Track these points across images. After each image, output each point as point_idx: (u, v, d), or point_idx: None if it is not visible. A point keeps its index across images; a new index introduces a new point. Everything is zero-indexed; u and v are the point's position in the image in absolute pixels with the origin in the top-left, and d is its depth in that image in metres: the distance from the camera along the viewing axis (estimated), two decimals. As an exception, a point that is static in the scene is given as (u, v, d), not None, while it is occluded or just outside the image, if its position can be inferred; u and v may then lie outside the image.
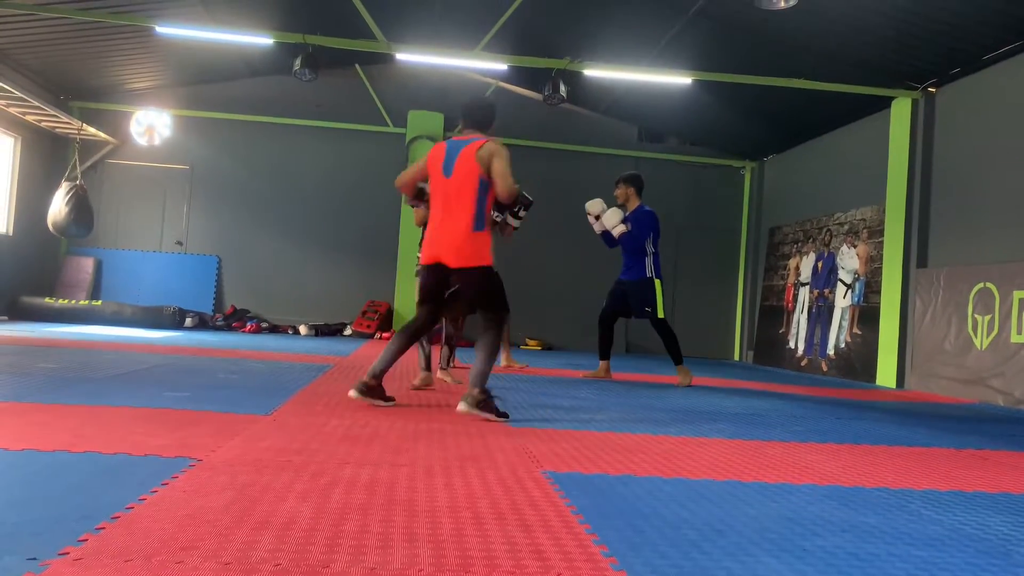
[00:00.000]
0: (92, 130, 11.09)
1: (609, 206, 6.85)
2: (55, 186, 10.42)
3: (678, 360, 6.84)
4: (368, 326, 11.67)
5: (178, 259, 12.00)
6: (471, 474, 2.55)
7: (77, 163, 10.72)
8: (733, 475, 2.83)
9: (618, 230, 6.68)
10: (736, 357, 12.90)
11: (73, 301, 10.83)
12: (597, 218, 6.81)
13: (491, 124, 4.23)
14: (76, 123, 10.78)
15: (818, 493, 2.61)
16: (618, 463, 2.92)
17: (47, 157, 11.36)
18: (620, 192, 6.89)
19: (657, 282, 6.69)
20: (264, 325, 11.60)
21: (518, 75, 11.66)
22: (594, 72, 9.49)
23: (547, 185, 12.34)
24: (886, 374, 8.68)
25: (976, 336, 7.40)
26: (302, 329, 11.52)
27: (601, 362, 7.09)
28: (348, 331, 11.76)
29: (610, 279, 7.32)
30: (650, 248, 6.76)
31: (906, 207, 8.61)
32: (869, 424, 4.80)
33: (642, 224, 6.68)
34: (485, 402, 3.81)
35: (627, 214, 6.79)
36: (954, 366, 7.62)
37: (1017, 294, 6.93)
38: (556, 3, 9.26)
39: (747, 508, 2.34)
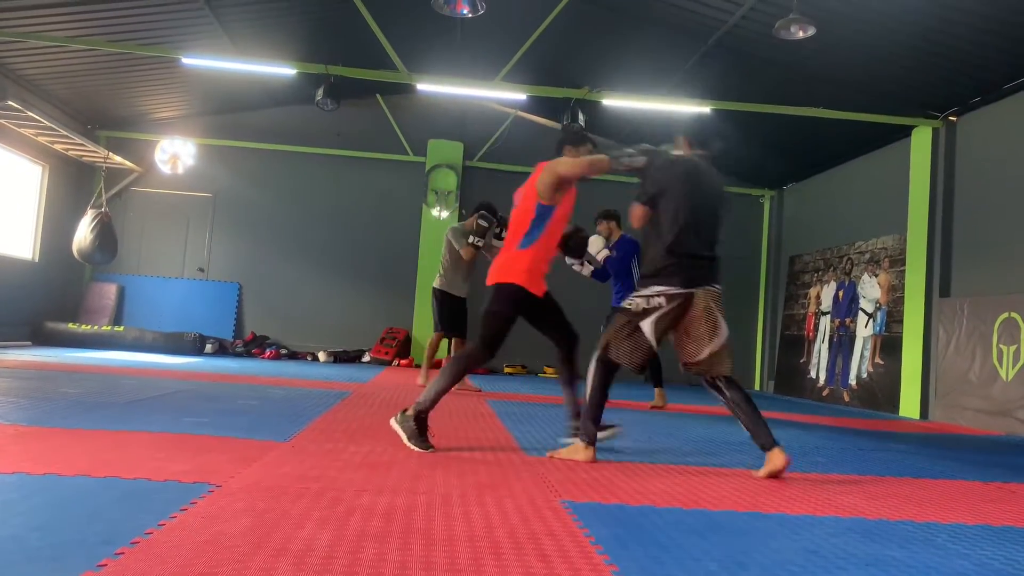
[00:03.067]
0: (118, 159, 11.28)
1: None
2: (81, 213, 10.59)
3: (659, 383, 7.38)
4: (386, 353, 11.68)
5: (199, 285, 12.12)
6: (489, 503, 2.53)
7: (103, 191, 10.89)
8: (755, 507, 2.79)
9: (602, 254, 7.07)
10: (756, 387, 12.77)
11: (96, 327, 10.95)
12: (583, 262, 7.10)
13: (561, 149, 4.06)
14: (103, 152, 10.97)
15: (841, 526, 2.57)
16: (637, 493, 2.89)
17: (73, 185, 11.56)
18: (603, 227, 7.31)
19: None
20: (283, 352, 11.65)
21: (537, 105, 11.75)
22: (612, 101, 9.55)
23: (566, 213, 12.38)
24: (909, 405, 8.56)
25: (1001, 367, 7.29)
26: (321, 356, 11.55)
27: (657, 390, 7.47)
28: (367, 358, 11.79)
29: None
30: (636, 272, 7.12)
31: (928, 236, 8.54)
32: (893, 456, 4.72)
33: (626, 249, 7.15)
34: (411, 424, 3.61)
35: (611, 245, 7.22)
36: (979, 397, 7.50)
37: (1043, 324, 6.83)
38: (575, 34, 9.35)
39: (769, 540, 2.30)
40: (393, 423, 3.70)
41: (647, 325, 3.54)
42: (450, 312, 7.29)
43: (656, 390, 7.36)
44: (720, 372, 3.57)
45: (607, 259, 7.11)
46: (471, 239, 6.92)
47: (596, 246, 7.04)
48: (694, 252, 3.58)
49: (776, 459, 3.41)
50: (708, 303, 3.55)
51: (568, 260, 6.90)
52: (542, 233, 3.88)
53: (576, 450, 3.58)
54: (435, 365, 7.32)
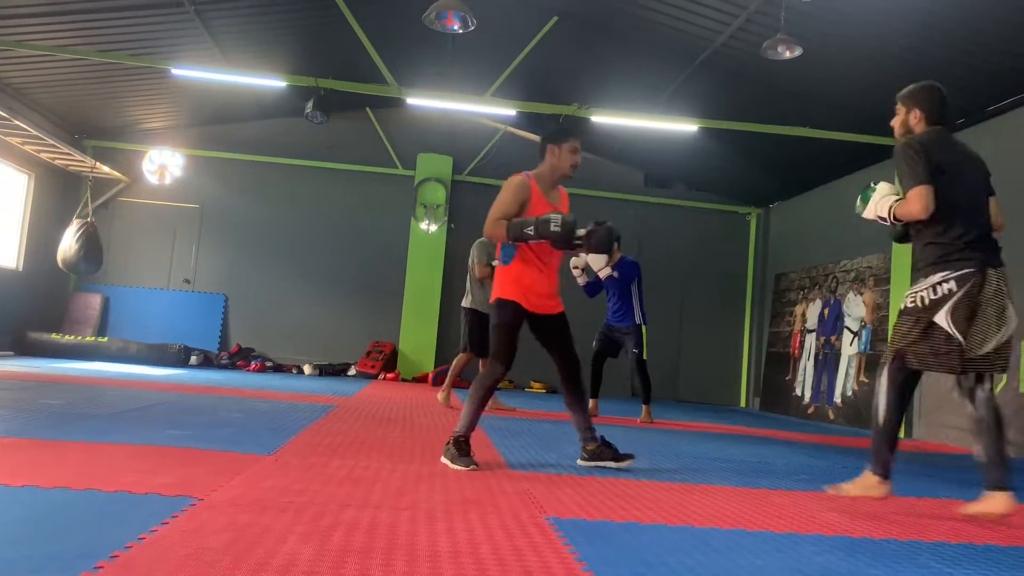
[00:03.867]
0: (105, 168, 11.23)
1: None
2: (67, 223, 10.52)
3: (647, 400, 7.40)
4: (372, 366, 11.64)
5: (185, 297, 12.05)
6: (473, 519, 2.52)
7: (89, 200, 10.83)
8: (739, 524, 2.79)
9: (604, 272, 7.14)
10: (742, 404, 12.80)
11: (79, 337, 10.86)
12: (583, 271, 7.21)
13: (544, 149, 4.02)
14: (90, 161, 10.92)
15: (825, 544, 2.57)
16: (622, 509, 2.88)
17: (60, 194, 11.49)
18: None
19: (644, 327, 7.29)
20: (269, 364, 11.59)
21: (526, 120, 11.80)
22: (601, 118, 9.60)
23: (554, 229, 12.41)
24: (894, 423, 8.59)
25: (984, 386, 7.33)
26: (306, 369, 11.49)
27: (591, 400, 7.31)
28: (352, 371, 11.74)
29: (603, 320, 7.59)
30: (635, 293, 7.31)
31: (912, 255, 8.59)
32: (877, 474, 4.73)
33: (628, 271, 7.25)
34: (452, 450, 3.64)
35: (613, 264, 7.27)
36: (962, 416, 7.51)
37: (1025, 344, 6.89)
38: (564, 51, 9.41)
39: (753, 558, 2.30)
40: (443, 460, 3.67)
41: (941, 317, 3.13)
42: (480, 331, 7.05)
43: (644, 407, 7.36)
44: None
45: (608, 279, 7.19)
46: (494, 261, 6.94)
47: (597, 263, 7.09)
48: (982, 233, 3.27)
49: (995, 503, 3.02)
50: (1000, 285, 3.16)
51: (584, 260, 7.01)
52: (513, 259, 3.90)
53: (869, 485, 3.20)
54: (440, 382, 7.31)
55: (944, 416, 7.82)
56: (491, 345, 3.91)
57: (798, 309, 11.30)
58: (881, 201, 3.31)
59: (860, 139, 8.77)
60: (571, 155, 4.04)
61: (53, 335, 10.76)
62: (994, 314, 3.11)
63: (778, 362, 11.66)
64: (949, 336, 3.11)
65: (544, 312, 3.95)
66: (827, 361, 10.30)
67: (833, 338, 10.26)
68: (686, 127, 9.36)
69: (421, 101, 9.55)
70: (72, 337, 10.82)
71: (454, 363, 7.38)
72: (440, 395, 7.33)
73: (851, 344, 9.84)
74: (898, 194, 3.29)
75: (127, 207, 12.05)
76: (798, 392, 10.88)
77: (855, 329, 9.81)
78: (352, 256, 12.32)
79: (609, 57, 9.37)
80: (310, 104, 9.47)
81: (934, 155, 3.20)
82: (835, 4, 6.61)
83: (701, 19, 7.73)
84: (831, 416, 9.92)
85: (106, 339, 10.93)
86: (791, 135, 8.98)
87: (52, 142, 9.94)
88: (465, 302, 7.29)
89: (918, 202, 3.12)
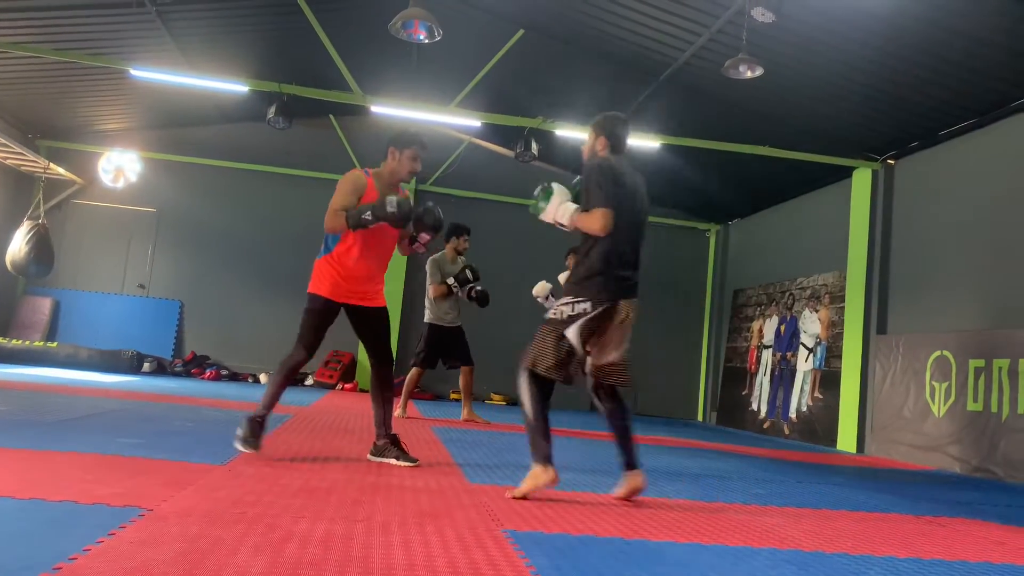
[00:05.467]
0: (59, 169, 10.98)
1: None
2: (17, 224, 10.25)
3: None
4: (331, 376, 11.51)
5: (139, 302, 11.81)
6: (429, 531, 2.50)
7: (41, 202, 10.58)
8: (695, 537, 2.80)
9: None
10: (700, 418, 12.93)
11: (27, 342, 10.56)
12: (546, 298, 7.30)
13: (388, 148, 4.18)
14: (43, 162, 10.67)
15: (778, 558, 2.60)
16: (579, 522, 2.88)
17: (10, 195, 11.20)
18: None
19: None
20: (224, 372, 11.40)
21: (491, 132, 11.82)
22: (565, 132, 9.66)
23: (517, 239, 12.45)
24: (847, 439, 8.75)
25: (934, 403, 7.51)
26: (262, 377, 11.33)
27: None
28: (310, 381, 11.60)
29: None
30: None
31: (866, 274, 8.80)
32: (830, 488, 4.81)
33: None
34: (245, 428, 3.85)
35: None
36: (913, 432, 7.71)
37: (973, 363, 7.07)
38: (530, 64, 9.46)
39: (708, 571, 2.32)
40: (235, 443, 3.82)
41: (572, 332, 3.42)
42: (439, 344, 7.29)
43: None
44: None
45: None
46: (450, 281, 7.12)
47: (537, 290, 7.20)
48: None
49: (634, 480, 3.50)
50: (627, 314, 3.50)
51: (548, 289, 7.10)
52: (337, 243, 4.04)
53: (535, 476, 3.33)
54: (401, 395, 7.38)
55: (895, 433, 7.98)
56: (299, 329, 4.14)
57: (755, 325, 11.46)
58: (562, 207, 3.61)
59: (818, 159, 8.95)
60: (411, 162, 4.14)
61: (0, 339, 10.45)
62: (615, 338, 3.48)
63: (735, 377, 11.81)
64: (571, 350, 3.42)
65: (359, 303, 4.12)
66: (783, 376, 10.46)
67: (789, 354, 10.42)
68: (648, 143, 9.47)
69: (385, 109, 9.52)
70: (19, 342, 10.52)
71: (408, 377, 7.40)
72: (396, 411, 7.26)
73: (806, 360, 10.01)
74: (574, 203, 3.61)
75: (81, 209, 11.79)
76: (754, 407, 11.02)
77: (810, 345, 9.97)
78: (311, 265, 12.16)
79: (574, 72, 9.44)
80: (272, 109, 9.37)
81: (617, 181, 3.54)
82: (796, 26, 6.75)
83: (665, 37, 7.84)
84: (786, 431, 10.06)
85: (55, 344, 10.66)
86: (751, 153, 9.14)
87: (4, 141, 9.69)
88: (427, 317, 7.33)
89: (600, 221, 3.41)
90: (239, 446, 3.79)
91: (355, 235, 3.97)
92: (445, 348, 7.36)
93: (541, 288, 7.37)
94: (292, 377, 4.09)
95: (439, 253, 7.42)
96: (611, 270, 3.43)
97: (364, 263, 4.06)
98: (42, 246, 10.00)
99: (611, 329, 3.44)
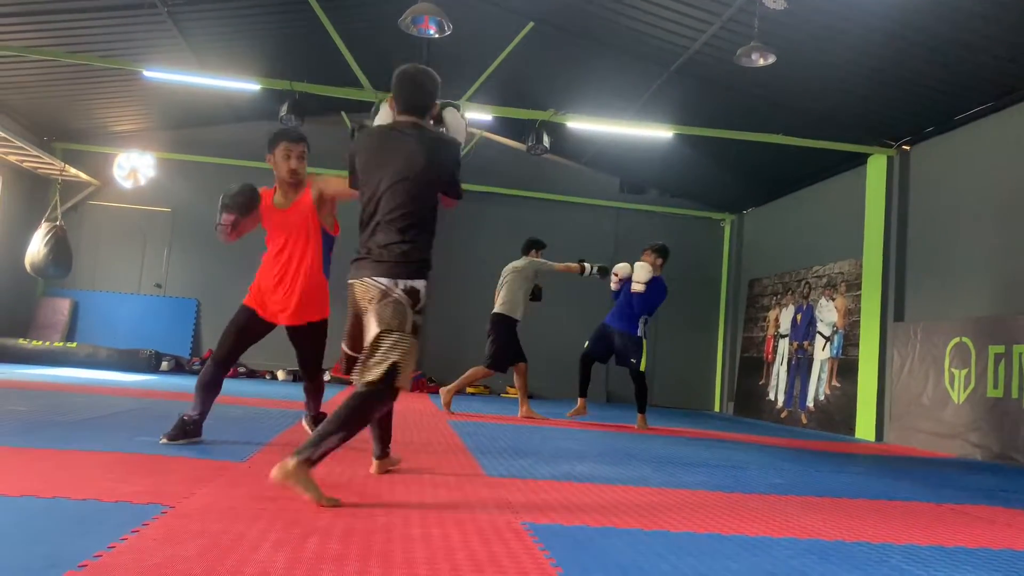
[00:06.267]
0: (74, 171, 11.07)
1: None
2: (35, 227, 10.34)
3: (643, 409, 7.45)
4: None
5: (156, 302, 11.90)
6: (449, 524, 2.51)
7: (58, 204, 10.66)
8: (714, 528, 2.80)
9: (638, 287, 7.25)
10: (716, 408, 12.89)
11: (47, 343, 10.67)
12: (621, 280, 7.46)
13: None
14: (59, 164, 10.75)
15: (799, 547, 2.59)
16: (599, 514, 2.88)
17: (28, 197, 11.31)
18: (649, 259, 7.48)
19: (644, 341, 7.40)
20: (241, 370, 11.47)
21: (502, 126, 11.81)
22: (577, 124, 9.64)
23: (529, 233, 12.42)
24: (865, 427, 8.70)
25: (953, 390, 7.46)
26: (280, 374, 11.39)
27: (580, 399, 7.64)
28: (327, 376, 11.63)
29: (589, 326, 7.68)
30: (642, 322, 7.48)
31: (883, 261, 8.73)
32: (849, 477, 4.79)
33: (658, 292, 7.40)
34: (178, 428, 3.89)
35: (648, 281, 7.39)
36: (932, 420, 7.65)
37: (992, 349, 7.01)
38: (540, 57, 9.44)
39: (728, 562, 2.31)
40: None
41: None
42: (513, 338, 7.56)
43: (639, 415, 7.45)
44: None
45: (635, 295, 7.27)
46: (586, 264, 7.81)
47: (645, 273, 7.26)
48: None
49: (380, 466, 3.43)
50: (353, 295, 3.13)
51: (627, 270, 7.22)
52: (265, 254, 4.10)
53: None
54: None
55: (914, 420, 7.92)
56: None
57: (771, 314, 11.40)
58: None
59: (833, 146, 8.88)
60: (284, 160, 4.02)
61: (20, 340, 10.56)
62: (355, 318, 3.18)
63: (752, 367, 11.76)
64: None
65: (280, 322, 4.06)
66: (800, 366, 10.41)
67: (806, 343, 10.37)
68: (661, 133, 9.42)
69: (397, 105, 9.50)
70: (40, 342, 10.64)
71: (520, 375, 7.62)
72: (523, 410, 7.60)
73: (823, 349, 9.95)
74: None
75: (97, 210, 11.88)
76: (771, 397, 10.97)
77: (827, 334, 9.91)
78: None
79: (584, 63, 9.41)
80: (284, 108, 9.40)
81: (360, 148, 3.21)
82: (808, 13, 6.69)
83: (676, 26, 7.79)
84: (804, 420, 10.02)
85: (75, 344, 10.76)
86: (765, 142, 9.08)
87: (20, 144, 9.77)
88: (507, 310, 7.54)
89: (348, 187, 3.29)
90: (167, 439, 3.81)
91: (269, 240, 4.06)
92: (517, 343, 7.58)
93: (624, 268, 7.49)
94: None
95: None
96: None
97: (268, 274, 4.12)
98: (60, 248, 10.08)
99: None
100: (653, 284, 7.33)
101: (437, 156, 3.08)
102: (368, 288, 3.02)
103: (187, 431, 3.90)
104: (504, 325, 7.48)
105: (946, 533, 3.06)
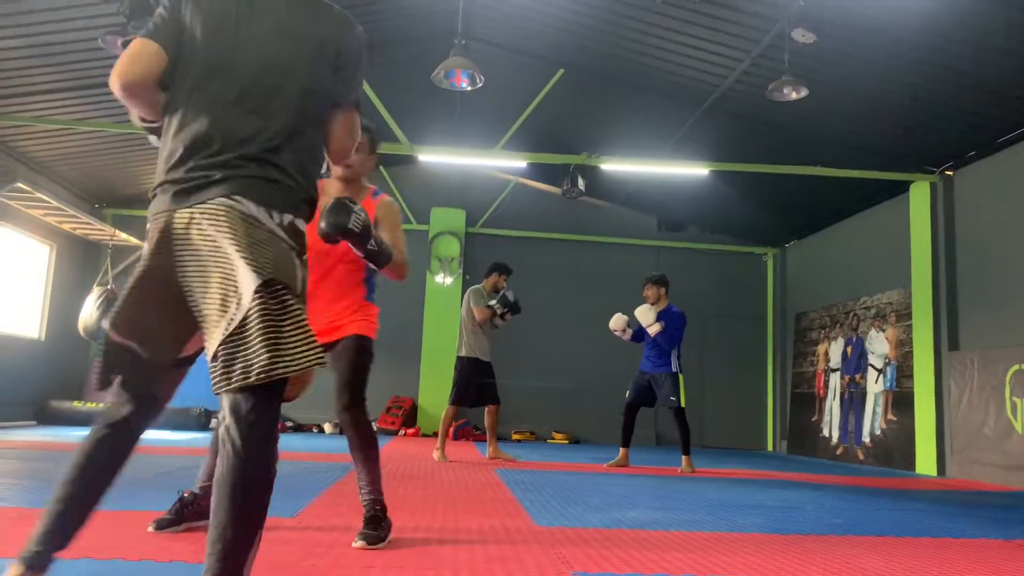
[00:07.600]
0: (124, 236, 11.40)
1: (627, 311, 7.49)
2: (87, 291, 10.64)
3: (687, 450, 7.18)
4: (393, 423, 11.58)
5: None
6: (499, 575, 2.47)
7: (109, 268, 10.98)
8: (772, 572, 2.72)
9: (654, 329, 7.10)
10: (769, 447, 12.60)
11: (101, 404, 10.87)
12: (623, 331, 7.32)
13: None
14: (109, 230, 11.10)
15: (862, 590, 2.50)
16: (651, 561, 2.82)
17: (80, 263, 11.66)
18: (651, 292, 7.33)
19: (680, 376, 7.18)
20: (289, 424, 11.56)
21: (537, 171, 11.92)
22: (611, 165, 9.68)
23: (570, 276, 12.46)
24: (925, 461, 8.42)
25: (1016, 420, 7.19)
26: (327, 427, 11.45)
27: (622, 449, 7.39)
28: (373, 428, 11.67)
29: (632, 368, 7.56)
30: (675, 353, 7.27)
31: (933, 289, 8.53)
32: (911, 515, 4.62)
33: (677, 324, 7.17)
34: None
35: (659, 312, 7.23)
36: (996, 452, 7.37)
37: (1055, 375, 6.77)
38: (571, 102, 9.54)
39: (788, 608, 2.23)
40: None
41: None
42: (474, 379, 7.20)
43: (684, 457, 7.16)
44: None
45: (659, 334, 7.09)
46: (493, 303, 7.23)
47: (649, 316, 7.12)
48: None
49: None
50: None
51: (624, 320, 7.13)
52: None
53: None
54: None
55: (977, 453, 7.65)
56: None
57: (820, 348, 11.18)
58: None
59: (870, 175, 8.78)
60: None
61: (74, 403, 10.81)
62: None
63: (804, 403, 11.50)
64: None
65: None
66: (853, 400, 10.15)
67: (858, 376, 10.12)
68: (696, 171, 9.41)
69: (432, 157, 9.68)
70: (93, 404, 10.87)
71: (444, 418, 7.27)
72: (435, 453, 7.16)
73: (876, 382, 9.70)
74: None
75: (147, 273, 12.18)
76: (825, 433, 10.70)
77: (879, 366, 9.67)
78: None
79: (616, 105, 9.49)
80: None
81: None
82: (838, 44, 6.68)
83: (706, 64, 7.83)
84: (860, 456, 9.73)
85: (127, 405, 10.95)
86: (802, 174, 9.01)
87: (73, 212, 10.12)
88: (464, 351, 7.26)
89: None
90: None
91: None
92: (479, 384, 7.22)
93: (617, 321, 7.35)
94: None
95: (478, 285, 7.47)
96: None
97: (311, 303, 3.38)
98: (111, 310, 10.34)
99: None
100: (667, 315, 7.18)
101: None
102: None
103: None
104: (461, 365, 7.25)
105: (1017, 571, 2.93)
